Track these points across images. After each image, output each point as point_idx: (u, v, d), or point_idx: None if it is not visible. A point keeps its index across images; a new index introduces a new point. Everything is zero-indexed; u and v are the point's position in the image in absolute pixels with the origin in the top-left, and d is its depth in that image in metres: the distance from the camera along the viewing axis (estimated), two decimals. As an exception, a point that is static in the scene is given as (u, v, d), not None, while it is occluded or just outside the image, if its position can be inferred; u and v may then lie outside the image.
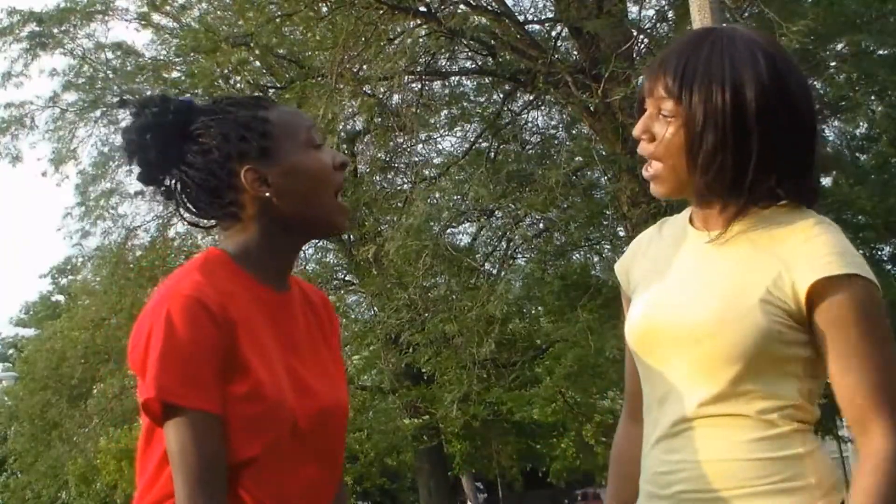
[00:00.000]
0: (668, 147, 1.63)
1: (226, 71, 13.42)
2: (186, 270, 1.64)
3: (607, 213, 13.12)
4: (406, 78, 12.04)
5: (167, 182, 1.74)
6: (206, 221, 1.77)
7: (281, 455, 1.61)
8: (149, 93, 9.42)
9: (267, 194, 1.67)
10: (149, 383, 1.53)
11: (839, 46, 11.47)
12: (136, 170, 1.74)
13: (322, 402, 1.68)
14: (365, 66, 12.02)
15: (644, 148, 1.67)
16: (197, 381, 1.53)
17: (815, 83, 12.19)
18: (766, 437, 1.58)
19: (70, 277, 27.57)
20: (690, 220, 1.73)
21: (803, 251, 1.57)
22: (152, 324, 1.55)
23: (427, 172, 13.94)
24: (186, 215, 1.76)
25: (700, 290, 1.63)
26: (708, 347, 1.59)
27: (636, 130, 1.67)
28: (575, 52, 12.76)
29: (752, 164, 1.58)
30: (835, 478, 1.63)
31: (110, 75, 15.42)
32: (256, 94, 10.46)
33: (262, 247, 1.70)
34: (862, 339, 1.55)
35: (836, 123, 13.38)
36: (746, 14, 10.18)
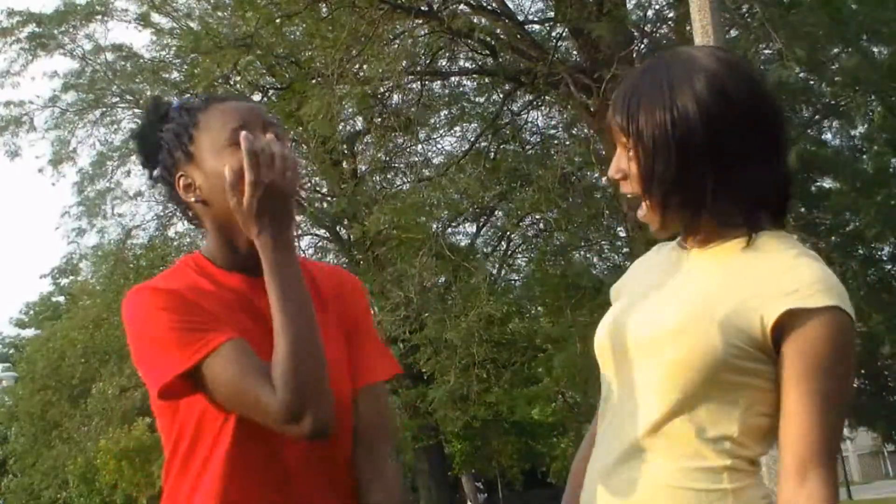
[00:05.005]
0: (637, 182, 1.61)
1: (225, 71, 13.42)
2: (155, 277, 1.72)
3: (606, 213, 13.14)
4: (406, 78, 12.03)
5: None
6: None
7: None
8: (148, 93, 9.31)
9: (193, 199, 1.68)
10: (149, 382, 1.57)
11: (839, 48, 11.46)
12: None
13: None
14: (365, 67, 12.03)
15: (624, 188, 1.65)
16: (186, 338, 1.56)
17: (816, 84, 12.21)
18: (699, 468, 1.54)
19: (70, 278, 27.58)
20: (682, 242, 1.72)
21: (779, 280, 1.53)
22: (126, 325, 1.62)
23: (427, 172, 13.95)
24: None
25: (669, 301, 1.62)
26: (667, 356, 1.57)
27: (610, 171, 1.65)
28: (575, 53, 12.77)
29: (711, 182, 1.54)
30: None
31: (110, 76, 15.43)
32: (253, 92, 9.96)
33: (219, 244, 1.71)
34: (825, 377, 1.50)
35: (835, 124, 13.39)
36: (746, 14, 10.16)
